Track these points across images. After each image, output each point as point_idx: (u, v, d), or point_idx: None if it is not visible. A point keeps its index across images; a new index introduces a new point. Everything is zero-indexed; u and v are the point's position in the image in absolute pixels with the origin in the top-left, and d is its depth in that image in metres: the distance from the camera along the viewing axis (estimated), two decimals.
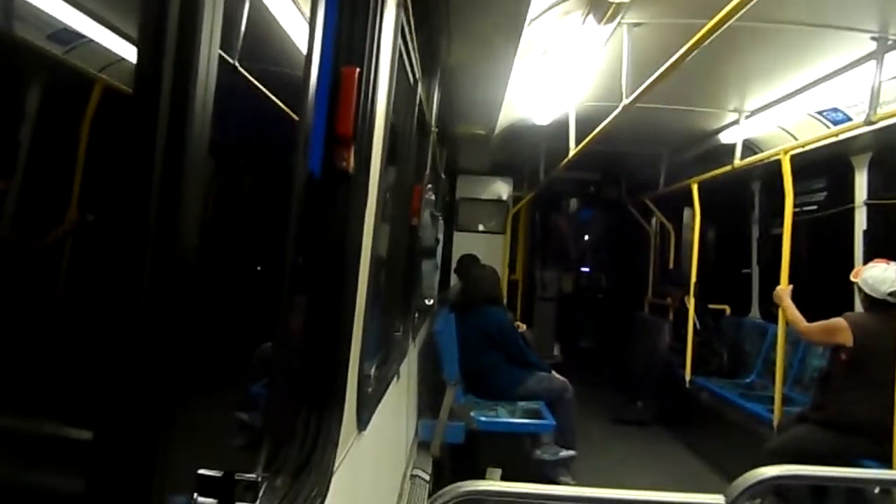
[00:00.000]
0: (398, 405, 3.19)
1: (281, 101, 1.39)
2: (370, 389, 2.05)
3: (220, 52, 1.33)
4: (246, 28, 1.48)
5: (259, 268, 1.47)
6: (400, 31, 2.00)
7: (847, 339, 3.90)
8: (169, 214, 0.70)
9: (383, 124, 1.79)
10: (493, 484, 1.60)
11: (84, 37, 0.73)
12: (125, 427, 0.69)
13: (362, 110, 1.54)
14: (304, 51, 1.26)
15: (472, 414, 4.43)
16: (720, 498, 1.52)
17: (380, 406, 2.34)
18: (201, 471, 1.04)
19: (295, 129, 1.29)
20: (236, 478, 1.06)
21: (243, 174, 1.46)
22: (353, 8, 1.53)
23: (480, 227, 7.95)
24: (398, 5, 1.85)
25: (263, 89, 1.46)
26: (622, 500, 1.63)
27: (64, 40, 0.71)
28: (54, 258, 0.72)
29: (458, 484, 1.57)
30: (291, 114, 1.34)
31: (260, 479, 1.13)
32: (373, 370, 2.06)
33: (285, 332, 1.29)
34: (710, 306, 6.90)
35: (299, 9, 1.41)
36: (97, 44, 0.74)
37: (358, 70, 1.48)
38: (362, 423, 1.91)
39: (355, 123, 1.48)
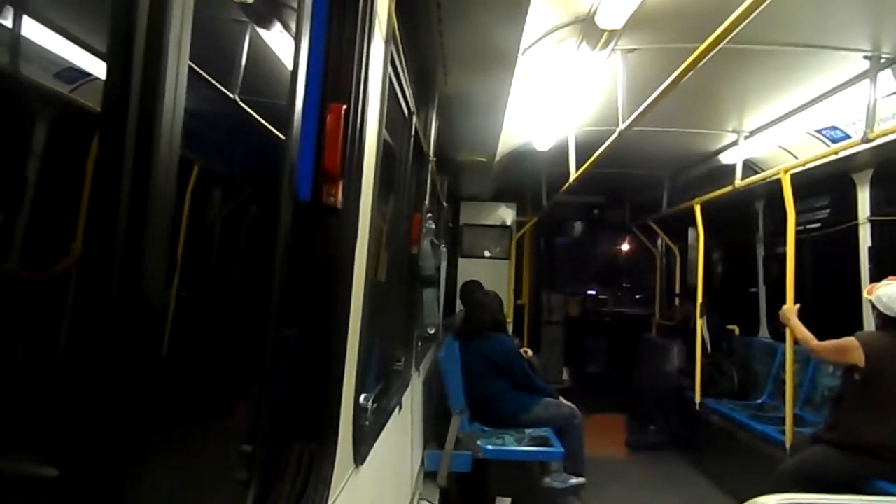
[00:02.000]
0: (401, 436, 3.16)
1: (271, 135, 1.41)
2: (367, 422, 2.04)
3: (219, 85, 1.36)
4: (238, 62, 1.51)
5: (245, 301, 1.47)
6: (390, 64, 2.03)
7: (859, 358, 3.84)
8: (136, 246, 0.70)
9: (373, 158, 1.80)
10: None
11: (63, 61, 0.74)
12: (93, 467, 0.68)
13: (350, 145, 1.55)
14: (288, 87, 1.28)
15: (478, 442, 4.38)
16: None
17: (380, 438, 2.32)
18: None
19: (281, 166, 1.30)
20: None
21: (232, 207, 1.48)
22: (340, 45, 1.55)
23: (485, 253, 7.96)
24: (387, 41, 1.88)
25: (254, 122, 1.49)
26: None
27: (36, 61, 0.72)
28: (21, 291, 0.73)
29: None
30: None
31: None
32: (370, 402, 2.04)
33: (273, 367, 1.28)
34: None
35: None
36: (71, 66, 0.75)
37: (345, 106, 1.50)
38: (359, 457, 1.89)
39: (343, 159, 1.50)
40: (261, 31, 1.60)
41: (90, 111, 0.75)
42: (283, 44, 1.47)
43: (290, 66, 1.31)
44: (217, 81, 1.34)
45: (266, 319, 1.29)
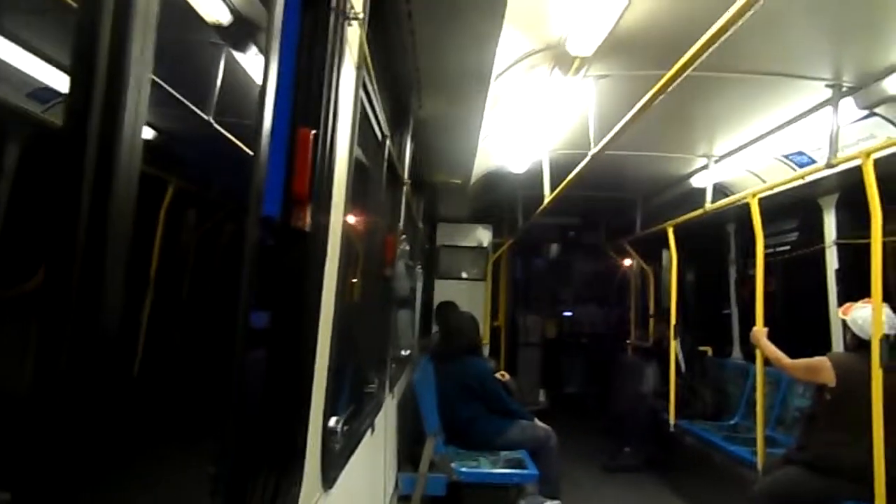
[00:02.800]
0: (373, 459, 3.14)
1: (241, 158, 1.42)
2: (337, 445, 2.02)
3: (190, 105, 1.36)
4: (212, 84, 1.52)
5: (211, 323, 1.47)
6: (362, 89, 2.05)
7: (829, 378, 3.89)
8: (95, 267, 0.70)
9: (344, 182, 1.81)
10: None
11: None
12: (47, 493, 0.68)
13: (320, 169, 1.56)
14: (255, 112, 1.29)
15: (453, 465, 4.35)
16: None
17: (351, 461, 2.30)
18: None
19: (248, 190, 1.30)
20: None
21: (199, 229, 1.48)
22: (310, 71, 1.57)
23: (462, 275, 7.98)
24: (358, 67, 1.90)
25: (223, 145, 1.49)
26: None
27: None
28: None
29: None
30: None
31: None
32: (340, 425, 2.03)
33: (240, 390, 1.28)
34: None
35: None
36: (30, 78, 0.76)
37: (314, 131, 1.51)
38: (328, 480, 1.88)
39: (312, 183, 1.51)
40: (233, 53, 1.61)
41: (51, 127, 0.76)
42: (256, 67, 1.48)
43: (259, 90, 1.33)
44: (189, 102, 1.35)
45: (232, 342, 1.28)
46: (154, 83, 1.20)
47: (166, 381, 1.29)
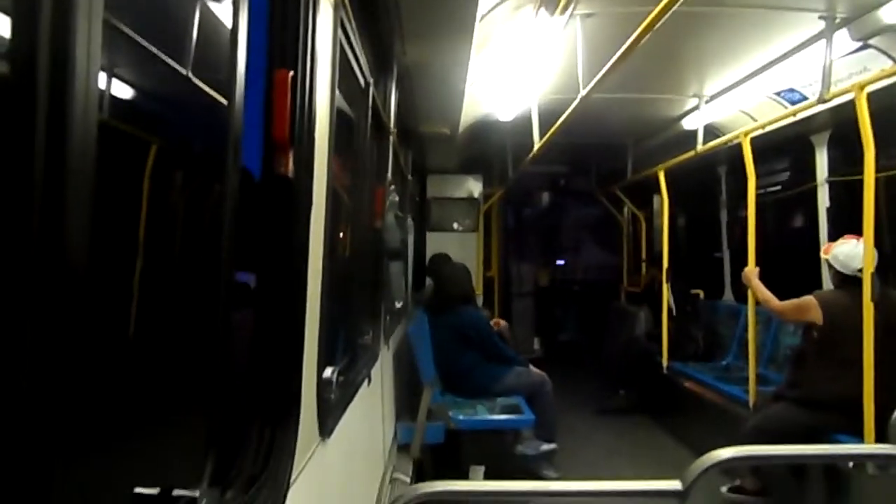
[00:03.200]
0: (371, 409, 3.16)
1: (215, 105, 1.36)
2: (333, 395, 2.02)
3: (158, 53, 1.30)
4: (182, 29, 1.45)
5: (194, 277, 1.43)
6: (342, 31, 1.98)
7: (817, 317, 3.94)
8: (54, 223, 0.66)
9: (326, 126, 1.76)
10: (450, 484, 1.58)
11: None
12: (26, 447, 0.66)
13: (299, 114, 1.51)
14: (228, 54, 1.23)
15: (450, 413, 4.41)
16: (677, 483, 1.52)
17: (348, 411, 2.31)
18: (137, 489, 1.01)
19: (225, 137, 1.26)
20: (174, 494, 1.03)
21: (175, 180, 1.43)
22: (284, 10, 1.51)
23: (453, 226, 7.95)
24: (335, 6, 1.83)
25: (194, 92, 1.43)
26: (580, 492, 1.62)
27: None
28: None
29: (416, 486, 1.56)
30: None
31: (201, 494, 1.10)
32: (335, 375, 2.02)
33: (226, 343, 1.26)
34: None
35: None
36: None
37: (291, 73, 1.46)
38: (325, 429, 1.89)
39: (292, 127, 1.46)
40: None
41: None
42: (225, 9, 1.41)
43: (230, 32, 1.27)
44: (155, 48, 1.29)
45: (218, 295, 1.26)
46: (125, 34, 1.14)
47: (151, 340, 1.27)
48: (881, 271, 3.56)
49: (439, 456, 4.46)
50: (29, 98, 0.64)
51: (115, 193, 1.18)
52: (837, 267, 3.95)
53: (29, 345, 0.65)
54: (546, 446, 4.73)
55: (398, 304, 3.74)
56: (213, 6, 1.51)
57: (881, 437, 3.28)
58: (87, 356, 0.73)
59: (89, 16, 0.69)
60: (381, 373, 3.58)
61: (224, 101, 1.27)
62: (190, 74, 1.41)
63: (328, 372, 1.99)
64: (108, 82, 1.16)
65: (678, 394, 5.97)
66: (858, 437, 3.39)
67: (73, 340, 0.70)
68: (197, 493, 1.09)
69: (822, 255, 4.16)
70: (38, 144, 0.64)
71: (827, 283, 4.72)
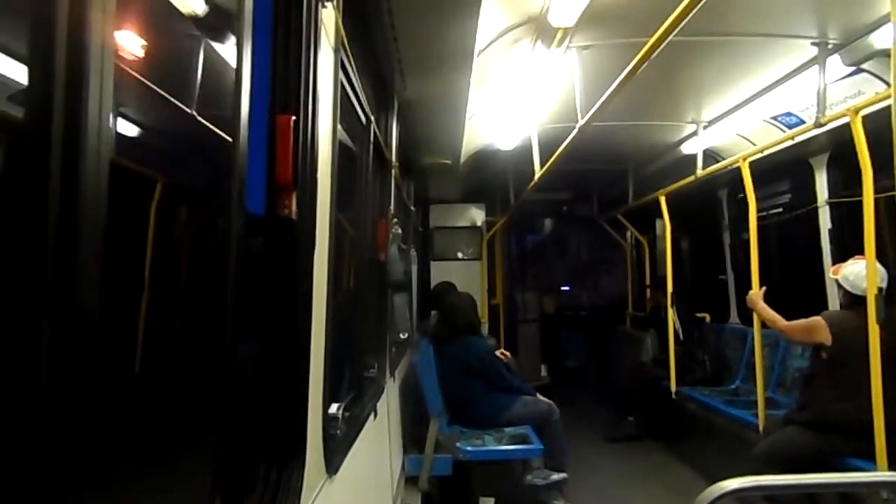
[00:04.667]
0: (378, 443, 3.15)
1: (221, 148, 1.40)
2: (339, 431, 2.03)
3: (167, 96, 1.34)
4: (187, 75, 1.50)
5: (200, 317, 1.45)
6: (342, 72, 2.03)
7: (826, 337, 3.91)
8: (67, 262, 0.68)
9: (328, 167, 1.80)
10: None
11: None
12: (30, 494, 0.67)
13: (303, 156, 1.55)
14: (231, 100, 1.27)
15: (458, 444, 4.38)
16: None
17: (354, 446, 2.31)
18: None
19: (230, 179, 1.29)
20: None
21: (182, 222, 1.46)
22: (286, 55, 1.55)
23: (457, 255, 7.97)
24: (335, 49, 1.87)
25: (201, 135, 1.47)
26: None
27: None
28: None
29: None
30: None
31: None
32: (341, 411, 2.03)
33: (232, 382, 1.27)
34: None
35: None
36: None
37: (293, 118, 1.49)
38: (332, 466, 1.89)
39: (295, 170, 1.49)
40: (211, 44, 1.58)
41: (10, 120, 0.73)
42: (230, 56, 1.45)
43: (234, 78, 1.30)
44: (164, 93, 1.32)
45: (223, 335, 1.27)
46: (136, 80, 1.18)
47: (158, 379, 1.28)
48: (891, 292, 3.56)
49: (447, 488, 4.42)
50: (44, 140, 0.67)
51: (123, 232, 1.21)
52: (847, 287, 3.92)
53: (41, 382, 0.67)
54: (556, 476, 4.68)
55: (403, 336, 3.75)
56: (218, 50, 1.55)
57: (893, 460, 3.25)
58: (95, 396, 0.75)
59: (102, 61, 0.73)
60: (388, 405, 3.57)
61: (230, 142, 1.30)
62: (196, 115, 1.45)
63: (334, 408, 2.00)
64: (116, 123, 1.19)
65: (687, 419, 5.92)
66: (870, 459, 3.36)
67: (83, 379, 0.71)
68: None
69: (832, 276, 4.14)
70: (52, 184, 0.67)
71: (832, 303, 4.71)
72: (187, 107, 1.39)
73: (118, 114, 1.12)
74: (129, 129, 1.22)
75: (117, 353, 1.11)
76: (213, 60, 1.43)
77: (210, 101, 1.40)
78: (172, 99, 1.31)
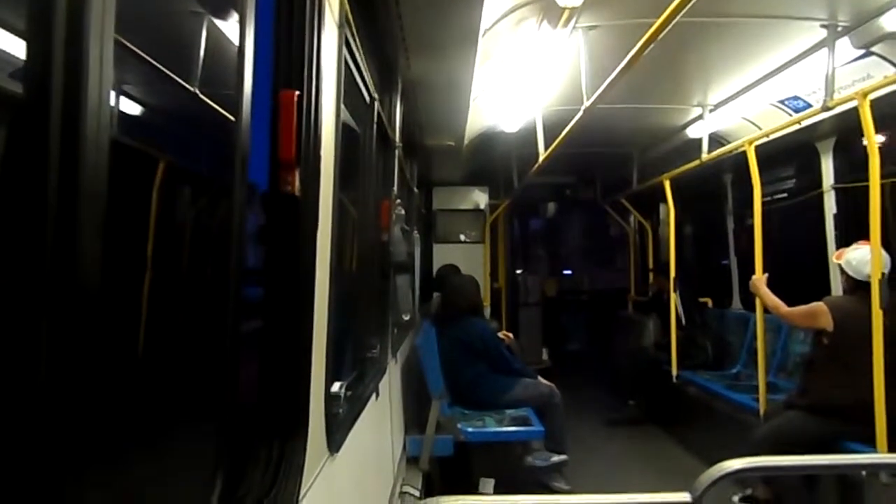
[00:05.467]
0: (379, 423, 3.16)
1: (224, 124, 1.38)
2: (341, 410, 2.03)
3: (167, 72, 1.32)
4: (189, 50, 1.48)
5: (202, 293, 1.45)
6: (346, 49, 2.01)
7: (827, 323, 3.91)
8: (67, 240, 0.68)
9: (332, 144, 1.78)
10: (460, 499, 1.58)
11: None
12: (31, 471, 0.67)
13: (306, 132, 1.53)
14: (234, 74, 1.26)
15: (459, 426, 4.40)
16: (686, 495, 1.52)
17: (356, 426, 2.32)
18: None
19: (232, 156, 1.28)
20: None
21: (183, 199, 1.45)
22: (290, 31, 1.53)
23: (460, 238, 7.97)
24: (340, 25, 1.85)
25: (202, 111, 1.46)
26: None
27: None
28: None
29: (426, 501, 1.56)
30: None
31: None
32: (343, 390, 2.03)
33: (234, 360, 1.27)
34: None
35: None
36: None
37: (297, 93, 1.48)
38: (334, 444, 1.89)
39: (298, 146, 1.48)
40: (210, 17, 1.57)
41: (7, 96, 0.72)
42: (233, 31, 1.44)
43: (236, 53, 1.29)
44: (165, 69, 1.31)
45: (225, 313, 1.27)
46: (137, 56, 1.16)
47: (160, 356, 1.28)
48: (893, 277, 3.55)
49: (448, 468, 4.44)
50: (42, 117, 0.66)
51: (124, 210, 1.20)
52: (850, 272, 3.91)
53: (41, 357, 0.66)
54: (556, 458, 4.71)
55: (405, 317, 3.75)
56: (220, 26, 1.54)
57: (893, 444, 3.26)
58: (96, 372, 0.74)
59: (101, 37, 0.71)
60: (389, 386, 3.58)
61: (232, 120, 1.29)
62: (198, 92, 1.44)
63: (336, 387, 2.01)
64: (118, 100, 1.18)
65: (688, 403, 5.94)
66: (870, 444, 3.37)
67: (83, 356, 0.71)
68: None
69: (835, 260, 4.13)
70: (51, 162, 0.66)
71: (835, 289, 4.71)
72: (189, 83, 1.37)
73: (119, 92, 1.11)
74: (129, 106, 1.21)
75: (120, 330, 1.10)
76: (216, 36, 1.41)
77: (212, 77, 1.39)
78: (174, 76, 1.30)
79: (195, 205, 1.49)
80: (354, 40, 2.11)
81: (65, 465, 0.69)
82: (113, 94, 0.77)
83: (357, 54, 2.22)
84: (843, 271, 4.00)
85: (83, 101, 0.69)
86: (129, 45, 1.02)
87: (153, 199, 1.24)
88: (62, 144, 0.67)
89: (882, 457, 2.83)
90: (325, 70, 1.65)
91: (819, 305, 3.98)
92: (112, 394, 0.88)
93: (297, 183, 1.47)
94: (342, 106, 1.94)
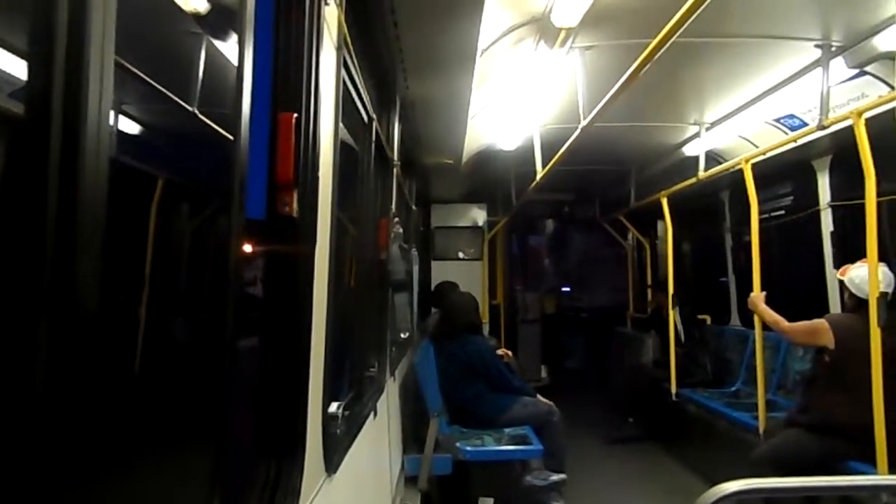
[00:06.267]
0: (377, 442, 3.15)
1: (222, 146, 1.39)
2: (339, 430, 2.02)
3: (167, 93, 1.33)
4: (187, 73, 1.49)
5: (199, 315, 1.45)
6: (345, 70, 2.03)
7: (829, 340, 3.89)
8: (65, 260, 0.68)
9: (330, 166, 1.79)
10: None
11: None
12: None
13: (304, 154, 1.54)
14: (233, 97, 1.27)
15: (457, 444, 4.38)
16: None
17: (354, 445, 2.31)
18: None
19: (230, 177, 1.29)
20: None
21: (181, 220, 1.46)
22: (287, 53, 1.55)
23: (458, 255, 7.98)
24: (338, 47, 1.87)
25: (202, 133, 1.47)
26: None
27: None
28: None
29: None
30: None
31: None
32: (341, 410, 2.03)
33: (231, 380, 1.27)
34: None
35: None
36: None
37: (295, 115, 1.49)
38: (332, 465, 1.88)
39: (296, 168, 1.49)
40: (213, 42, 1.58)
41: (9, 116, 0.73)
42: (232, 53, 1.45)
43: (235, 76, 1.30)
44: (165, 90, 1.32)
45: (223, 333, 1.27)
46: (137, 77, 1.18)
47: (156, 375, 1.28)
48: None
49: (447, 488, 4.41)
50: (43, 137, 0.67)
51: (123, 228, 1.21)
52: (852, 289, 3.89)
53: (38, 373, 0.66)
54: (555, 477, 4.67)
55: (404, 335, 3.74)
56: (219, 47, 1.55)
57: (894, 463, 3.24)
58: (91, 390, 0.74)
59: (101, 58, 0.72)
60: (388, 405, 3.57)
61: (231, 140, 1.30)
62: (197, 113, 1.45)
63: (333, 407, 2.00)
64: (117, 120, 1.19)
65: (687, 421, 5.91)
66: (871, 462, 3.35)
67: (79, 373, 0.71)
68: None
69: (839, 276, 4.12)
70: (51, 181, 0.67)
71: (833, 307, 4.71)
72: (188, 104, 1.39)
73: (119, 111, 1.12)
74: (129, 126, 1.22)
75: (117, 349, 1.10)
76: (215, 58, 1.42)
77: (211, 99, 1.40)
78: (173, 96, 1.31)
79: (193, 224, 1.50)
80: (352, 61, 2.13)
81: (55, 486, 0.69)
82: (112, 113, 0.78)
83: (355, 75, 2.24)
84: (845, 288, 3.99)
85: (83, 120, 0.69)
86: (128, 65, 1.03)
87: (152, 217, 1.25)
88: (62, 163, 0.67)
89: (883, 479, 2.82)
90: (324, 92, 1.67)
91: (820, 322, 3.97)
92: (106, 412, 0.88)
93: (294, 204, 1.48)
94: (340, 126, 1.96)
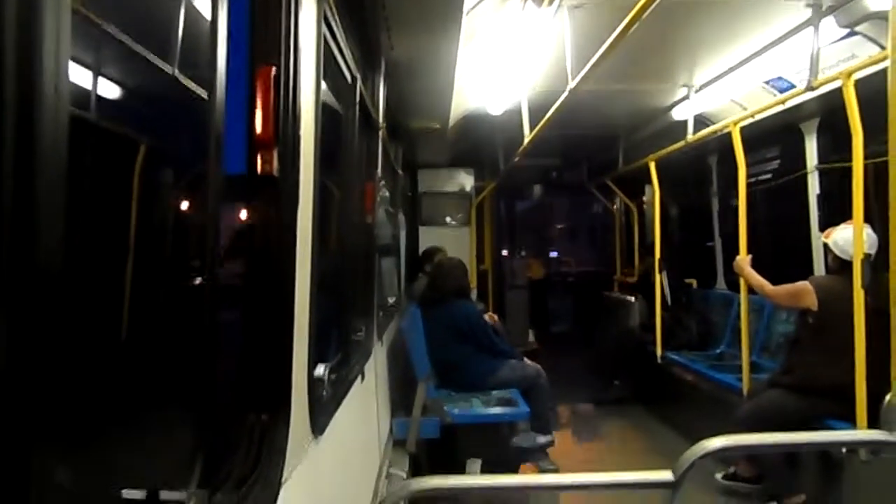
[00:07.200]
0: (365, 405, 3.16)
1: (197, 103, 1.35)
2: (325, 392, 2.02)
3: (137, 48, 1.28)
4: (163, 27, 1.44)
5: (181, 274, 1.42)
6: (326, 25, 1.97)
7: (812, 302, 3.94)
8: (26, 221, 0.65)
9: (312, 123, 1.75)
10: (445, 478, 1.58)
11: None
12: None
13: (284, 111, 1.50)
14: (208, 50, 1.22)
15: (445, 408, 4.41)
16: (668, 474, 1.52)
17: (341, 408, 2.30)
18: (124, 492, 1.00)
19: (208, 134, 1.25)
20: (162, 497, 1.02)
21: (158, 179, 1.42)
22: (266, 5, 1.49)
23: (446, 220, 7.95)
24: (318, 0, 1.81)
25: (172, 89, 1.42)
26: (572, 484, 1.62)
27: None
28: None
29: (411, 481, 1.56)
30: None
31: (189, 496, 1.09)
32: (327, 372, 2.02)
33: (214, 341, 1.25)
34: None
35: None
36: None
37: (274, 69, 1.44)
38: (318, 427, 1.88)
39: (276, 125, 1.45)
40: None
41: None
42: (205, 3, 1.39)
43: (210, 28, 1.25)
44: (134, 44, 1.27)
45: (204, 291, 1.25)
46: (100, 29, 1.12)
47: (137, 339, 1.25)
48: (882, 257, 3.56)
49: (435, 450, 4.46)
50: None
51: (99, 191, 1.17)
52: (836, 251, 3.92)
53: (6, 343, 0.64)
54: (542, 438, 4.74)
55: (391, 300, 3.74)
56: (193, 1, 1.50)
57: (873, 423, 3.29)
58: (68, 354, 0.72)
59: (58, 8, 0.68)
60: (375, 369, 3.57)
61: (206, 96, 1.25)
62: (175, 72, 1.40)
63: (320, 370, 1.99)
64: (95, 81, 1.15)
65: (673, 383, 5.98)
66: (852, 422, 3.41)
67: (52, 338, 0.68)
68: (185, 495, 1.08)
69: (823, 239, 4.14)
70: (7, 141, 0.63)
71: (818, 269, 4.74)
72: (160, 59, 1.34)
73: (80, 65, 1.07)
74: (90, 81, 1.17)
75: (94, 309, 1.08)
76: (188, 9, 1.37)
77: (185, 53, 1.35)
78: (142, 50, 1.26)
79: (168, 185, 1.46)
80: (334, 16, 2.06)
81: (33, 443, 0.67)
82: (73, 66, 0.74)
83: (337, 30, 2.17)
84: (829, 250, 4.02)
85: (38, 73, 0.65)
86: (91, 15, 0.98)
87: (120, 178, 1.21)
88: (17, 120, 0.63)
89: (861, 434, 2.86)
90: (304, 45, 1.61)
91: (804, 285, 4.00)
92: (87, 376, 0.86)
93: (275, 163, 1.44)
94: (322, 84, 1.90)
